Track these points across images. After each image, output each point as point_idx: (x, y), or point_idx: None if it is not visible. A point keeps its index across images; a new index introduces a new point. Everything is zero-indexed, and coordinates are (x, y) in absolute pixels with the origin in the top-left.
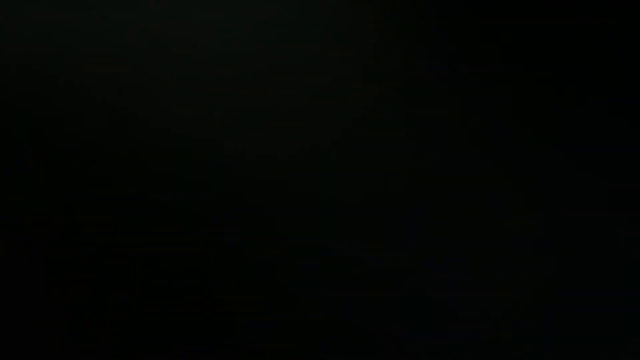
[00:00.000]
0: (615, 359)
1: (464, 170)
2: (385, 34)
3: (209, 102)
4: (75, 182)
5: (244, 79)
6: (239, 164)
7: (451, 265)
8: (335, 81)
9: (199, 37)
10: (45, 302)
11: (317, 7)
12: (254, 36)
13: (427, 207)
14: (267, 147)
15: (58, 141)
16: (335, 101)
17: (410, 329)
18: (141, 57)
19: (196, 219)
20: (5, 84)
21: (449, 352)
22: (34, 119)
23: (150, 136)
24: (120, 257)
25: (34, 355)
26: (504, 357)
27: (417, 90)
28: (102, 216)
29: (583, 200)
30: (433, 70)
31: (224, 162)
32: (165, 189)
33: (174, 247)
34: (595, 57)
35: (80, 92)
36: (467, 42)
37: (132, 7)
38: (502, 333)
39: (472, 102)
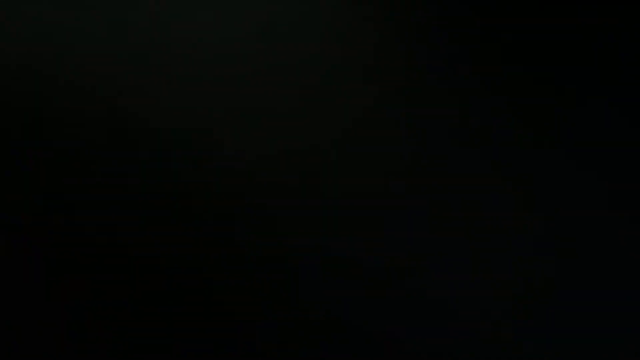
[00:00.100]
0: (615, 359)
1: (464, 170)
2: (385, 34)
3: (209, 101)
4: (75, 182)
5: (244, 79)
6: (239, 164)
7: (451, 265)
8: (335, 81)
9: (199, 37)
10: (45, 302)
11: (317, 7)
12: (254, 36)
13: (427, 207)
14: (267, 147)
15: (58, 141)
16: (335, 101)
17: (410, 329)
18: (141, 56)
19: (196, 219)
20: (5, 84)
21: (449, 352)
22: (34, 119)
23: (150, 136)
24: (120, 257)
25: (34, 355)
26: (504, 357)
27: (417, 90)
28: (102, 216)
29: (583, 200)
30: (433, 70)
31: (223, 161)
32: (165, 188)
33: (174, 247)
34: (595, 57)
35: (80, 92)
36: (467, 42)
37: (132, 7)
38: (502, 333)
39: (472, 102)
